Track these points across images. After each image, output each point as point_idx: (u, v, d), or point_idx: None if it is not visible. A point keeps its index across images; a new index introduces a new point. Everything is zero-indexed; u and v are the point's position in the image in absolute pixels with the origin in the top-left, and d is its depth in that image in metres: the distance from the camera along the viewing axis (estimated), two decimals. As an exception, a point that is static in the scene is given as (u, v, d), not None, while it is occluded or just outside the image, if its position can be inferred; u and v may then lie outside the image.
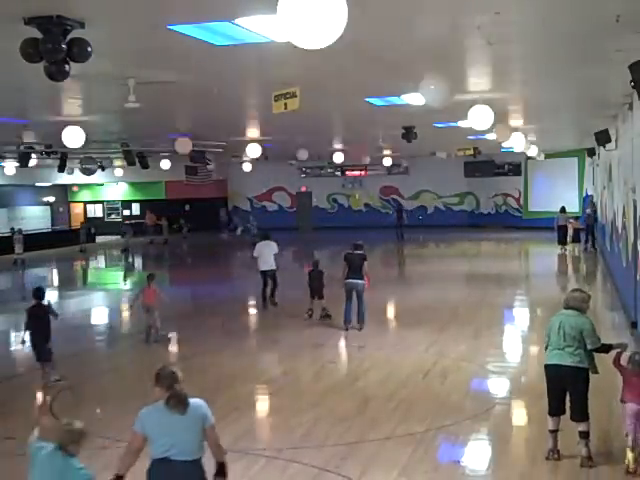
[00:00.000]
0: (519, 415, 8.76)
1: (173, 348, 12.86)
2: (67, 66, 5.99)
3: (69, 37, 5.85)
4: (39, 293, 10.52)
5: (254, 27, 6.37)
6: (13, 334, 14.13)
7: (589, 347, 6.76)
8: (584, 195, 31.31)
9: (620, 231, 15.33)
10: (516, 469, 7.00)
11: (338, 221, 39.34)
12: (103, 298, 20.06)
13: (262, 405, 9.17)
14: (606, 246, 21.48)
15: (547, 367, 7.01)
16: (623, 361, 6.78)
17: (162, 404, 4.58)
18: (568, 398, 6.91)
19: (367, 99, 12.15)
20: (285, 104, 8.53)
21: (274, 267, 15.31)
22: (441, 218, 38.09)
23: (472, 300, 16.31)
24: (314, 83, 9.50)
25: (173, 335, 13.57)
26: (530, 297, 17.50)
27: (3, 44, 6.53)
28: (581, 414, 6.79)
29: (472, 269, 22.47)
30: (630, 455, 6.54)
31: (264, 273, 15.45)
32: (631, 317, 12.20)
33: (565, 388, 6.89)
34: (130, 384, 11.01)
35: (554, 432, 6.97)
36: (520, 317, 15.40)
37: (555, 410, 6.98)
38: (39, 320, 10.28)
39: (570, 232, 26.14)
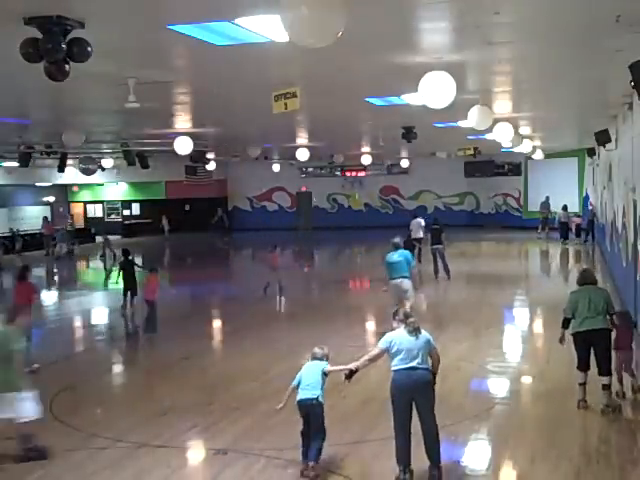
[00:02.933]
0: (519, 415, 8.75)
1: (173, 349, 12.82)
2: (67, 66, 5.99)
3: (69, 37, 5.85)
4: (127, 252, 15.87)
5: (254, 27, 6.36)
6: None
7: (610, 311, 8.33)
8: (584, 195, 31.36)
9: (620, 231, 15.33)
10: (516, 469, 7.01)
11: (338, 221, 39.37)
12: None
13: (262, 405, 9.15)
14: (606, 246, 21.50)
15: (578, 333, 8.29)
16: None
17: (403, 330, 6.59)
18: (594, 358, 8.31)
19: (367, 99, 12.15)
20: (285, 104, 8.54)
21: (422, 236, 21.55)
22: (441, 218, 37.98)
23: (472, 300, 16.30)
24: (314, 83, 9.50)
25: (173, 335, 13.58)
26: (530, 297, 17.49)
27: (3, 44, 6.53)
28: (606, 369, 8.21)
29: (472, 269, 22.45)
30: (619, 387, 8.55)
31: (416, 240, 21.40)
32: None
33: (591, 348, 8.26)
34: (129, 385, 11.03)
35: (583, 385, 8.36)
36: (520, 317, 15.39)
37: (584, 366, 8.35)
38: (128, 269, 15.58)
39: (573, 229, 28.63)
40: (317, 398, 6.67)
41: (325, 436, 6.70)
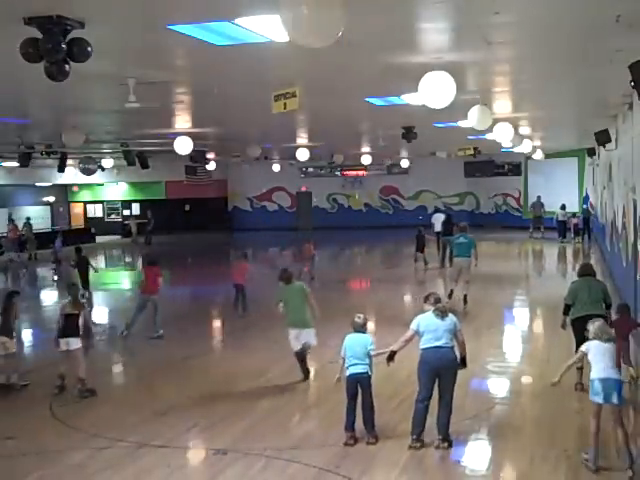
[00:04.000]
0: (519, 415, 8.75)
1: (174, 349, 12.83)
2: (67, 66, 5.98)
3: (69, 37, 5.85)
4: (79, 251, 17.53)
5: (254, 27, 6.36)
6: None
7: (608, 301, 9.03)
8: (584, 195, 31.38)
9: (620, 231, 15.32)
10: (516, 469, 7.02)
11: (338, 221, 39.36)
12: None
13: (262, 405, 9.16)
14: (606, 246, 21.49)
15: (577, 319, 8.79)
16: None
17: (431, 313, 7.34)
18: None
19: (367, 99, 12.14)
20: (285, 104, 8.54)
21: (439, 229, 23.34)
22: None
23: (472, 300, 16.28)
24: (314, 83, 9.49)
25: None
26: (530, 297, 17.50)
27: (3, 44, 6.53)
28: None
29: (472, 269, 22.41)
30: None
31: (437, 234, 23.64)
32: (631, 317, 12.19)
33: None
34: (130, 385, 11.03)
35: (580, 369, 8.78)
36: (520, 317, 15.40)
37: None
38: (81, 264, 17.39)
39: (571, 228, 29.01)
40: (367, 372, 7.42)
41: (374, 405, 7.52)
